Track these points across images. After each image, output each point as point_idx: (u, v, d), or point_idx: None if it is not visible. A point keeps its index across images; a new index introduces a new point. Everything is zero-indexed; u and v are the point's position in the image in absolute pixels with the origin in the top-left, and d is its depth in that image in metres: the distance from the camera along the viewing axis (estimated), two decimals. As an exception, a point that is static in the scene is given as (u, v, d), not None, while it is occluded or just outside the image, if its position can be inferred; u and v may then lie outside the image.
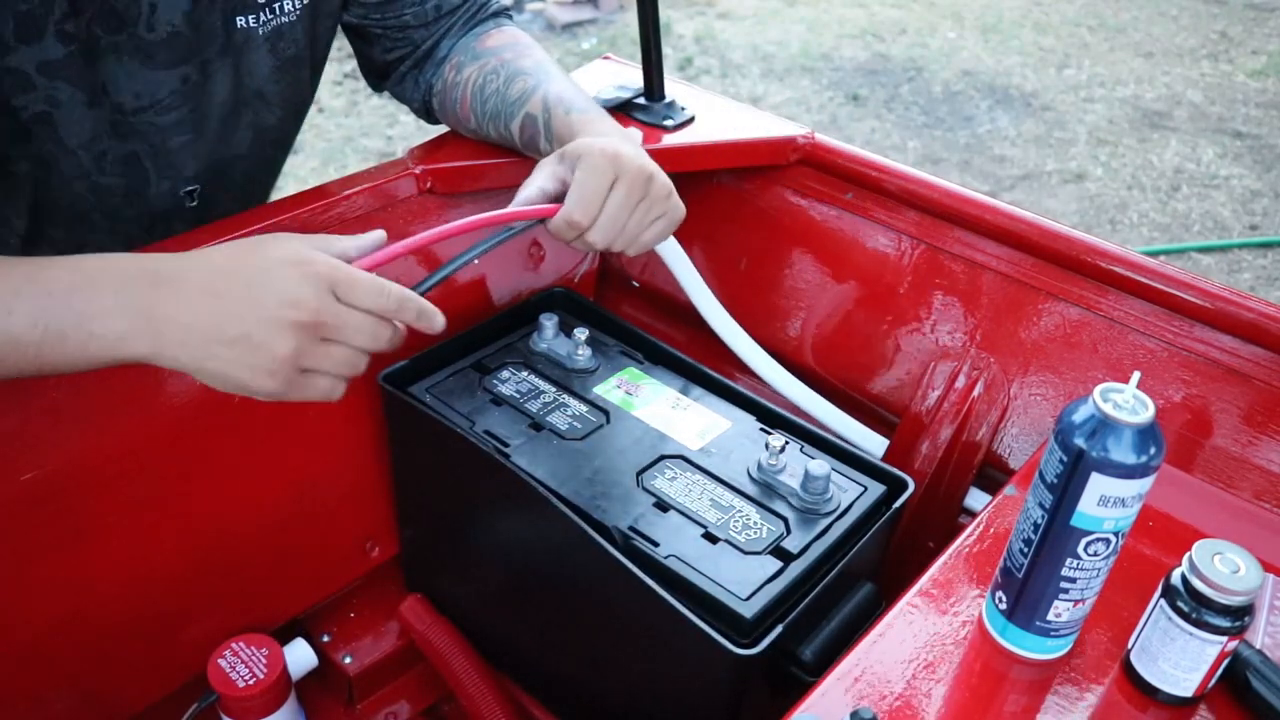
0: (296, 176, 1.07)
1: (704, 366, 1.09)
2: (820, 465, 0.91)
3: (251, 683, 1.02)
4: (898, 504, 0.93)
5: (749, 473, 0.95)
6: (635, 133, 1.10)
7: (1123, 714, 0.72)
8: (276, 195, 1.13)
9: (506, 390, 1.04)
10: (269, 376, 0.70)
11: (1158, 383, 0.99)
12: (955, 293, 1.12)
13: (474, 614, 1.16)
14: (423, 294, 0.77)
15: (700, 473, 0.95)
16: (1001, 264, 1.09)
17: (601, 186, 0.85)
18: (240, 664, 1.03)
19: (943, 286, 1.13)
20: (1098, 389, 0.66)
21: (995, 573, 0.75)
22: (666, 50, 2.72)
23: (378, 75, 1.13)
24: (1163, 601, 0.69)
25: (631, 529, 0.89)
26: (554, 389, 1.04)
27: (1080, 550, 0.69)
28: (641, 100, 1.26)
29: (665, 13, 4.68)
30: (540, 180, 0.88)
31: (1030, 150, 3.96)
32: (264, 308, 0.68)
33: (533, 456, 0.96)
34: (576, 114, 0.97)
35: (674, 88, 1.28)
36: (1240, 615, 0.67)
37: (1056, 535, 0.69)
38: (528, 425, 1.00)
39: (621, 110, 1.25)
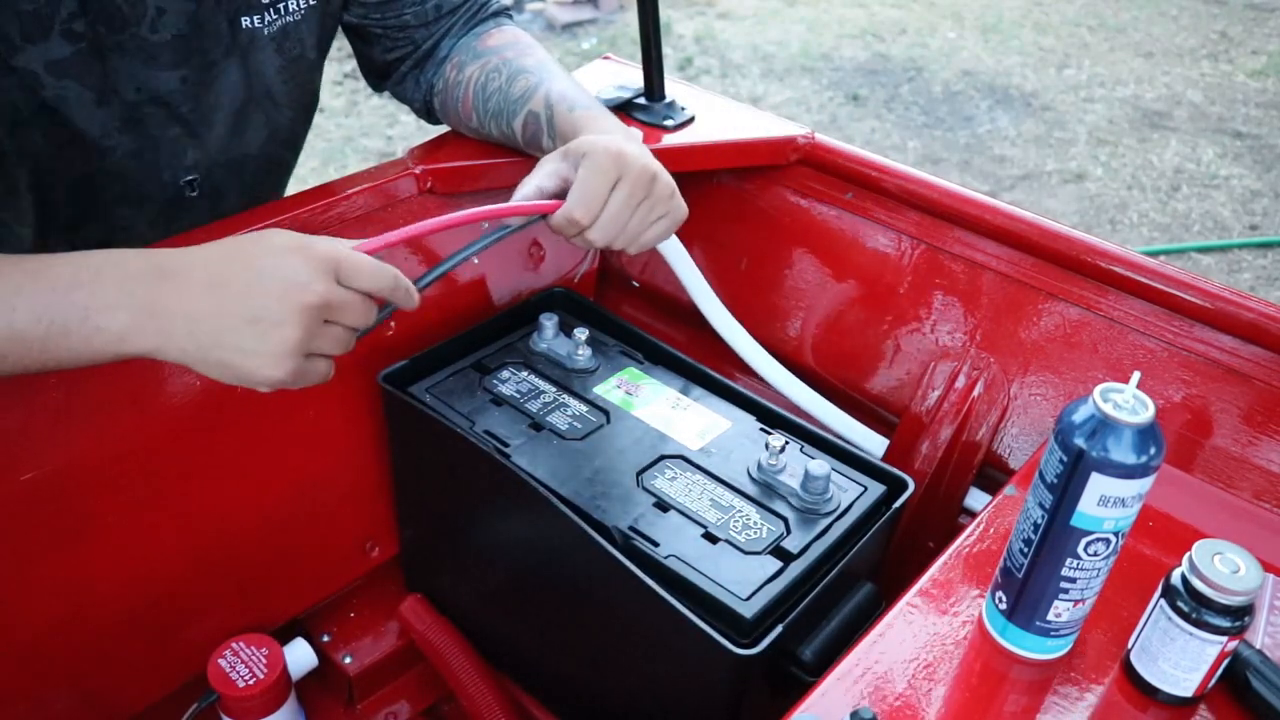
0: (297, 176, 1.07)
1: (704, 366, 1.09)
2: (820, 465, 0.91)
3: (251, 683, 1.02)
4: (898, 504, 0.93)
5: (749, 473, 0.95)
6: (637, 132, 1.10)
7: (1123, 714, 0.72)
8: (277, 195, 1.14)
9: (506, 390, 1.04)
10: (277, 363, 0.70)
11: (1158, 383, 0.99)
12: (955, 293, 1.12)
13: (474, 614, 1.16)
14: (422, 289, 0.78)
15: (700, 473, 0.95)
16: (1001, 264, 1.09)
17: (604, 185, 0.85)
18: (240, 664, 1.03)
19: (943, 286, 1.13)
20: (1098, 389, 0.66)
21: (995, 573, 0.75)
22: (666, 50, 2.72)
23: (378, 75, 1.13)
24: (1163, 601, 0.69)
25: (631, 529, 0.89)
26: (554, 389, 1.04)
27: (1080, 550, 0.69)
28: (641, 100, 1.26)
29: (665, 13, 4.68)
30: (539, 179, 0.88)
31: (1030, 150, 3.96)
32: (271, 293, 0.69)
33: (533, 456, 0.96)
34: (580, 111, 0.97)
35: (674, 88, 1.28)
36: (1240, 615, 0.67)
37: (1056, 535, 0.69)
38: (528, 425, 1.00)
39: (622, 110, 1.25)
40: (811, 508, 0.91)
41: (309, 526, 1.11)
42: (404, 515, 1.18)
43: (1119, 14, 5.27)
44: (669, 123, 1.23)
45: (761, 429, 1.01)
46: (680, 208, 0.91)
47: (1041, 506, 0.69)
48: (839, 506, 0.92)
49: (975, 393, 1.09)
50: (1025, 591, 0.72)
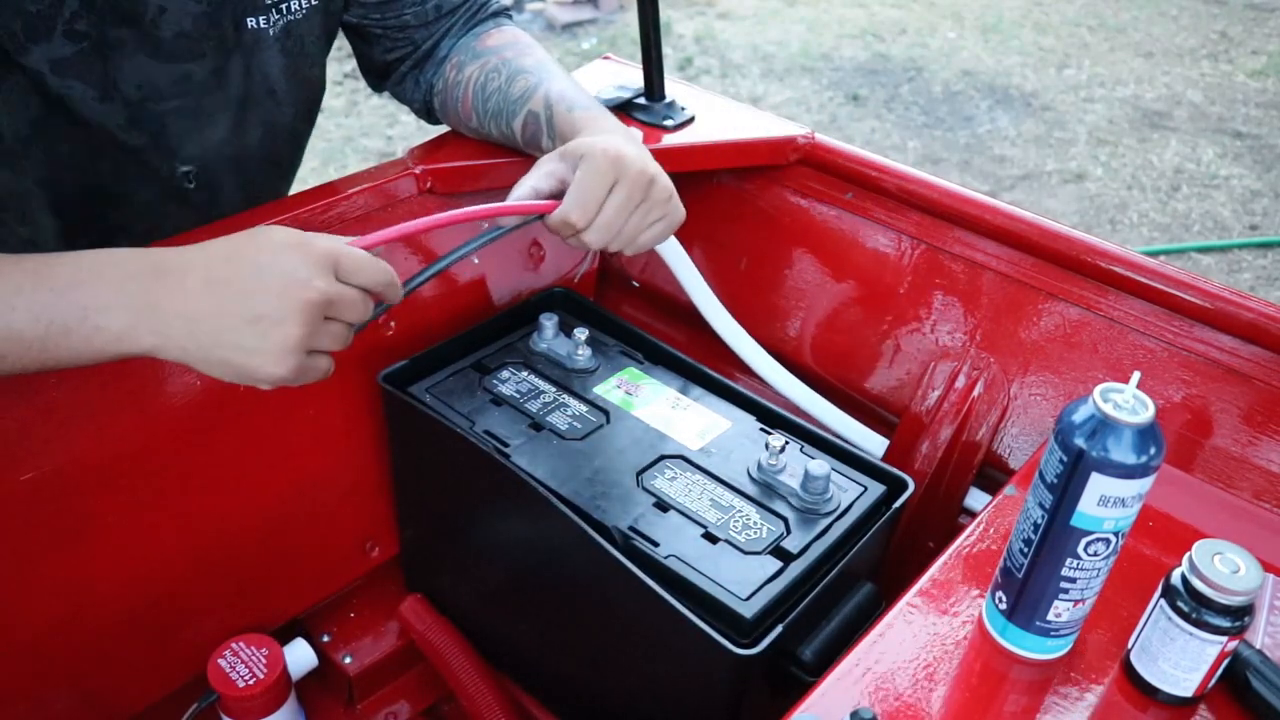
0: (297, 176, 1.07)
1: (704, 366, 1.09)
2: (820, 465, 0.91)
3: (251, 683, 1.02)
4: (898, 504, 0.93)
5: (749, 473, 0.95)
6: (636, 132, 1.10)
7: (1123, 714, 0.72)
8: (277, 195, 1.13)
9: (506, 390, 1.04)
10: (279, 361, 0.70)
11: (1158, 383, 0.99)
12: (955, 293, 1.12)
13: (474, 614, 1.16)
14: (417, 287, 0.80)
15: (700, 473, 0.95)
16: (1001, 264, 1.09)
17: (601, 188, 0.85)
18: (240, 664, 1.03)
19: (943, 286, 1.13)
20: (1098, 389, 0.66)
21: (995, 573, 0.75)
22: (666, 50, 2.72)
23: (378, 75, 1.13)
24: (1163, 601, 0.69)
25: (631, 529, 0.89)
26: (554, 389, 1.04)
27: (1080, 550, 0.69)
28: (641, 100, 1.26)
29: (665, 13, 4.68)
30: (535, 179, 0.87)
31: (1030, 150, 3.96)
32: (272, 290, 0.69)
33: (533, 456, 0.96)
34: (579, 111, 0.97)
35: (674, 88, 1.28)
36: (1240, 615, 0.67)
37: (1056, 535, 0.69)
38: (528, 425, 1.00)
39: (621, 110, 1.25)
40: (811, 508, 0.91)
41: (309, 526, 1.11)
42: (404, 515, 1.18)
43: (1119, 14, 5.27)
44: (669, 123, 1.23)
45: (761, 429, 1.01)
46: (678, 210, 0.91)
47: (1041, 506, 0.69)
48: (839, 506, 0.92)
49: (975, 393, 1.09)
50: (1025, 591, 0.72)
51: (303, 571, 1.15)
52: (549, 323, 1.09)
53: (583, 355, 1.07)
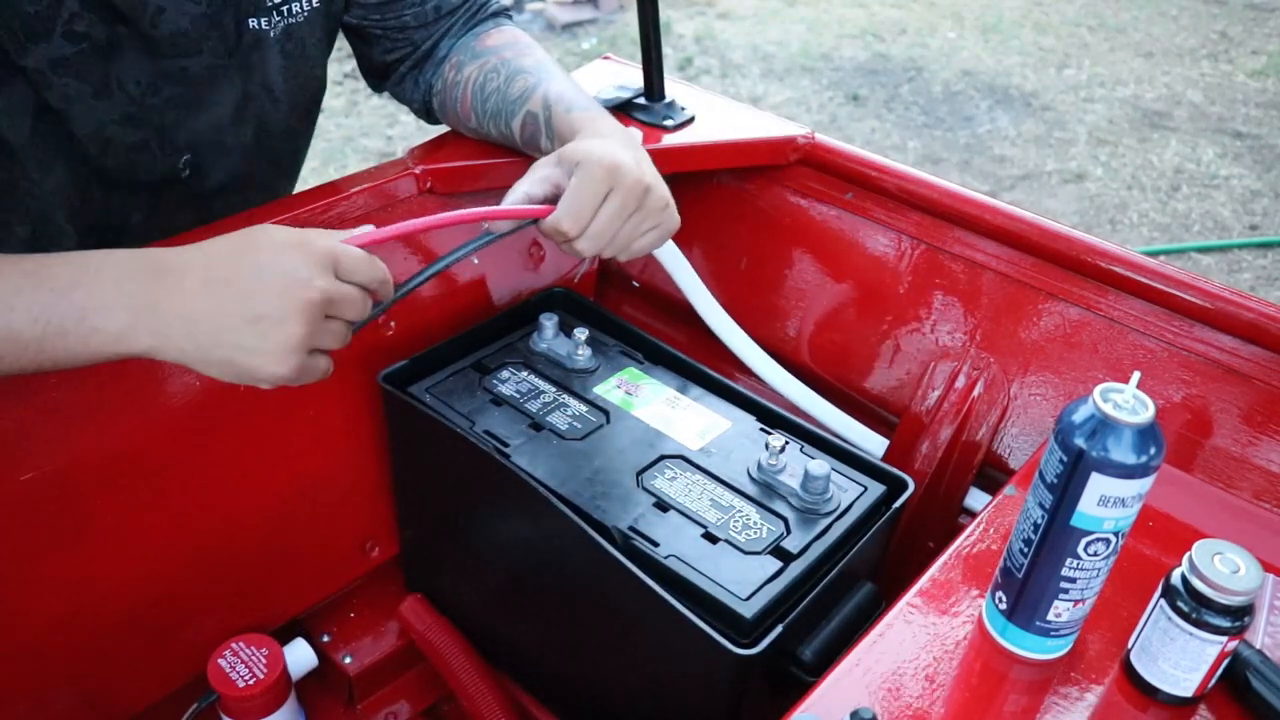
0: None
1: (704, 366, 1.09)
2: (820, 465, 0.91)
3: (251, 683, 1.02)
4: (898, 504, 0.93)
5: (749, 473, 0.95)
6: (636, 133, 1.10)
7: (1123, 714, 0.72)
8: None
9: (506, 390, 1.04)
10: (280, 361, 0.70)
11: (1158, 383, 0.99)
12: (955, 293, 1.12)
13: (474, 614, 1.16)
14: (411, 290, 0.80)
15: (700, 473, 0.95)
16: (1001, 264, 1.09)
17: (595, 197, 0.84)
18: (240, 664, 1.03)
19: (943, 286, 1.13)
20: (1098, 389, 0.66)
21: (995, 573, 0.75)
22: (666, 50, 2.72)
23: (377, 76, 1.13)
24: (1163, 601, 0.69)
25: (631, 529, 0.89)
26: (554, 389, 1.04)
27: (1080, 550, 0.69)
28: (641, 100, 1.26)
29: (665, 13, 4.68)
30: (528, 185, 0.86)
31: (1030, 150, 3.96)
32: (272, 290, 0.69)
33: (533, 456, 0.96)
34: (578, 112, 0.97)
35: (674, 88, 1.28)
36: (1240, 615, 0.67)
37: (1056, 535, 0.69)
38: (528, 425, 1.00)
39: (621, 110, 1.25)
40: (811, 508, 0.91)
41: (309, 526, 1.11)
42: (404, 515, 1.18)
43: (1119, 14, 5.27)
44: (669, 123, 1.23)
45: (761, 429, 1.01)
46: (673, 219, 0.91)
47: (1041, 506, 0.69)
48: (839, 506, 0.92)
49: (975, 393, 1.09)
50: (1025, 591, 0.72)
51: (303, 571, 1.15)
52: (549, 323, 1.09)
53: (583, 355, 1.07)
